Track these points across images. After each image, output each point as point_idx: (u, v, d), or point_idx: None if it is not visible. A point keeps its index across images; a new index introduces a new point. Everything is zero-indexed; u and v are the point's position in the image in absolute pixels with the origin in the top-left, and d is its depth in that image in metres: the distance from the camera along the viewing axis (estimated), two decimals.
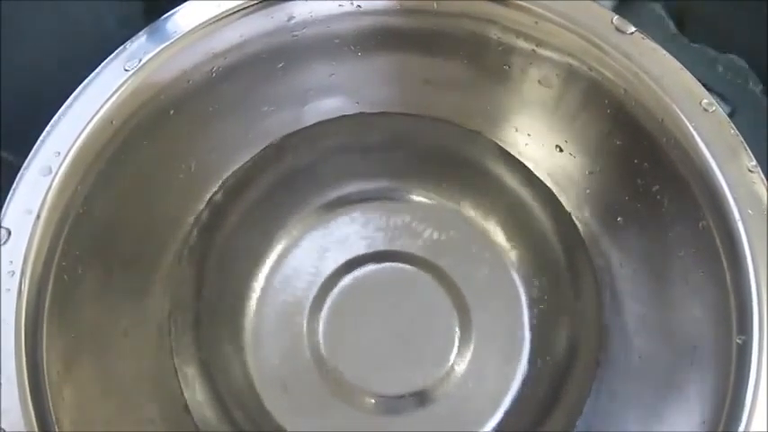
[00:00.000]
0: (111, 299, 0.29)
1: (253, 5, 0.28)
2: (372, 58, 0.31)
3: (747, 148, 0.25)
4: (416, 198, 0.34)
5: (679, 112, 0.26)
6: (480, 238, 0.33)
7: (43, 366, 0.24)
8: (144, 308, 0.30)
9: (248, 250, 0.33)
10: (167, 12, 0.28)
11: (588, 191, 0.31)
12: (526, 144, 0.32)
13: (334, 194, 0.33)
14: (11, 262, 0.24)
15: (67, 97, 0.26)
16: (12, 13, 0.35)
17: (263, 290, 0.32)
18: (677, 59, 0.27)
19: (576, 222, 0.31)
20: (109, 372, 0.28)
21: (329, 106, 0.32)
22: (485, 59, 0.30)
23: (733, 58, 0.38)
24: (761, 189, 0.25)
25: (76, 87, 0.27)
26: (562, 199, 0.32)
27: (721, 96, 0.37)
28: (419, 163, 0.34)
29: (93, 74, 0.27)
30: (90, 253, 0.27)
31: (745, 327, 0.23)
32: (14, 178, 0.26)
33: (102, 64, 0.27)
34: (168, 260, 0.31)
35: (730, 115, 0.35)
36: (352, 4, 0.29)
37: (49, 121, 0.26)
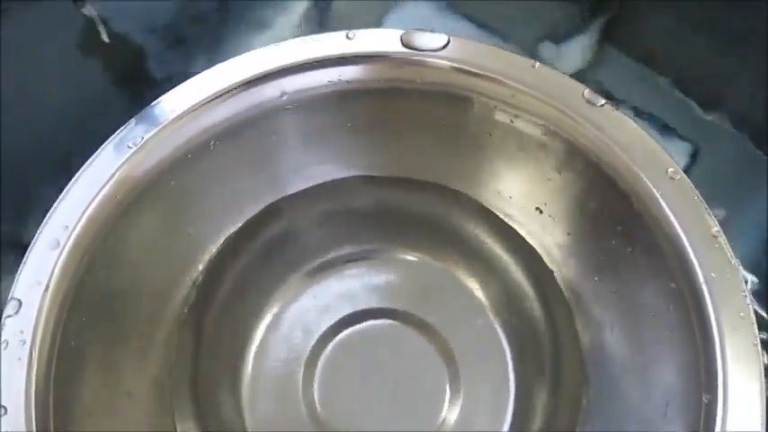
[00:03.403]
0: (114, 361, 0.30)
1: (249, 83, 0.30)
2: (361, 127, 0.33)
3: (711, 214, 0.27)
4: (405, 258, 0.35)
5: (647, 180, 0.28)
6: (466, 296, 0.34)
7: (51, 429, 0.26)
8: (146, 369, 0.31)
9: (245, 310, 0.34)
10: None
11: (568, 251, 0.33)
12: (509, 206, 0.34)
13: (326, 256, 0.35)
14: (21, 331, 0.26)
15: (61, 177, 0.28)
16: (7, 90, 0.37)
17: (259, 349, 0.34)
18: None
19: (558, 281, 0.33)
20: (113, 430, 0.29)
21: (320, 172, 0.34)
22: (468, 128, 0.32)
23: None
24: (724, 253, 0.26)
25: (69, 166, 0.28)
26: (545, 258, 0.33)
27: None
28: (407, 224, 0.35)
29: (97, 151, 0.29)
30: (95, 319, 0.29)
31: (710, 386, 0.25)
32: (11, 250, 0.28)
33: (107, 142, 0.29)
34: (168, 322, 0.32)
35: (695, 154, 0.37)
36: (339, 80, 0.31)
37: (43, 194, 0.28)
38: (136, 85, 0.39)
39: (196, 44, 0.40)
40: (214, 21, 0.41)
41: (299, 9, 0.41)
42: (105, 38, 0.39)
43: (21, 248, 0.30)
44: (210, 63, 0.31)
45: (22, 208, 0.36)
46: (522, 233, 0.34)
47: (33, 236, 0.28)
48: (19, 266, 0.28)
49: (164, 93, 0.30)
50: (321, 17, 0.41)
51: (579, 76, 0.39)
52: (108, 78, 0.39)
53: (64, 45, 0.40)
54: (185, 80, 0.30)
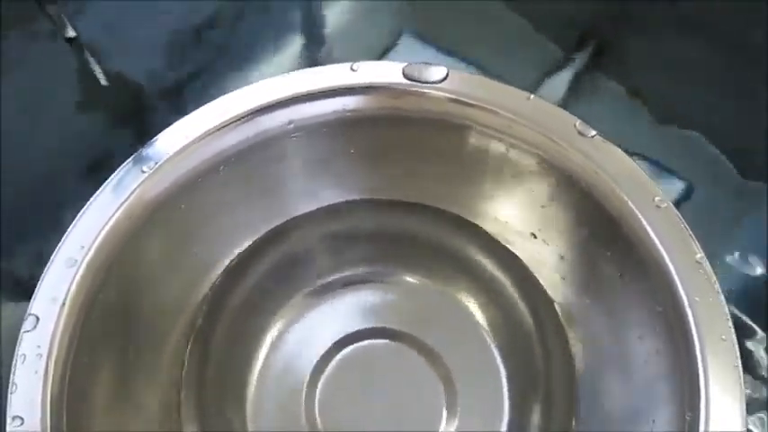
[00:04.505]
0: (125, 376, 0.31)
1: (257, 111, 0.32)
2: (364, 154, 0.34)
3: (696, 241, 0.29)
4: (405, 279, 0.36)
5: (634, 208, 0.29)
6: (464, 317, 0.36)
7: None
8: (155, 382, 0.33)
9: (250, 328, 0.35)
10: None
11: (562, 275, 0.34)
12: (505, 231, 0.35)
13: (329, 277, 0.36)
14: (38, 346, 0.27)
15: (54, 213, 0.30)
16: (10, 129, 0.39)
17: (264, 365, 0.35)
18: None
19: (553, 304, 0.34)
20: None
21: (324, 196, 0.36)
22: (466, 156, 0.34)
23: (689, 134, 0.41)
24: (707, 278, 0.28)
25: (61, 207, 0.30)
26: (540, 281, 0.35)
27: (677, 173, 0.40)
28: (408, 247, 0.37)
29: (113, 175, 0.30)
30: (107, 335, 0.30)
31: (693, 405, 0.26)
32: (12, 285, 0.29)
33: (121, 166, 0.31)
34: (177, 338, 0.34)
35: (688, 190, 0.39)
36: (344, 109, 0.33)
37: (42, 232, 0.29)
38: (134, 125, 0.41)
39: (193, 85, 0.42)
40: (213, 58, 0.43)
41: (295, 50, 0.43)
42: (103, 81, 0.41)
43: (20, 286, 0.32)
44: (207, 100, 0.32)
45: (23, 246, 0.37)
46: (519, 257, 0.35)
47: (32, 274, 0.29)
48: (12, 300, 0.29)
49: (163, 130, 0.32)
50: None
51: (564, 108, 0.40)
52: (107, 118, 0.41)
53: (63, 86, 0.41)
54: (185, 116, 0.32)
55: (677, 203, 0.39)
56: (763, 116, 0.40)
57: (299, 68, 0.33)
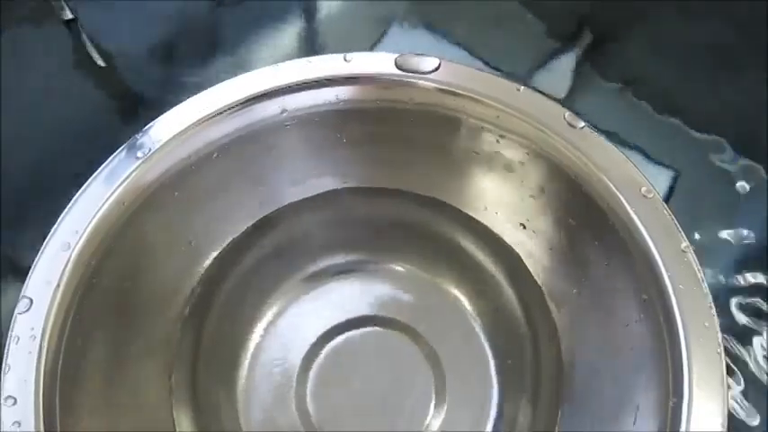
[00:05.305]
0: (118, 359, 0.32)
1: (251, 99, 0.32)
2: (356, 143, 0.35)
3: (681, 230, 0.29)
4: (396, 268, 0.37)
5: (622, 199, 0.30)
6: (453, 305, 0.36)
7: (56, 421, 0.27)
8: (148, 366, 0.33)
9: (242, 314, 0.36)
10: None
11: (550, 264, 0.34)
12: (495, 221, 0.36)
13: (320, 264, 0.37)
14: (32, 328, 0.28)
15: (56, 196, 0.30)
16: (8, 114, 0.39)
17: (255, 352, 0.35)
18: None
19: (543, 293, 0.35)
20: (115, 426, 0.31)
21: (316, 184, 0.36)
22: (457, 146, 0.34)
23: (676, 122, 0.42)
24: (691, 267, 0.28)
25: (63, 190, 0.30)
26: (530, 270, 0.35)
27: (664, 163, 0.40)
28: (399, 235, 0.37)
29: (107, 160, 0.31)
30: (101, 318, 0.31)
31: (677, 390, 0.27)
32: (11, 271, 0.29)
33: (116, 152, 0.31)
34: (170, 324, 0.34)
35: (676, 178, 0.39)
36: (337, 99, 0.33)
37: (44, 216, 0.30)
38: (131, 107, 0.41)
39: (189, 72, 0.42)
40: (210, 46, 0.43)
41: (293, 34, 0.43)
42: (100, 62, 0.41)
43: (16, 266, 0.32)
44: (203, 88, 0.32)
45: (20, 225, 0.37)
46: (508, 246, 0.35)
47: (28, 255, 0.29)
48: (14, 286, 0.29)
49: (157, 114, 0.32)
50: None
51: (561, 100, 0.41)
52: (103, 99, 0.41)
53: (60, 69, 0.41)
54: (180, 102, 0.32)
55: (669, 191, 0.39)
56: (764, 107, 0.41)
57: (296, 58, 0.33)
